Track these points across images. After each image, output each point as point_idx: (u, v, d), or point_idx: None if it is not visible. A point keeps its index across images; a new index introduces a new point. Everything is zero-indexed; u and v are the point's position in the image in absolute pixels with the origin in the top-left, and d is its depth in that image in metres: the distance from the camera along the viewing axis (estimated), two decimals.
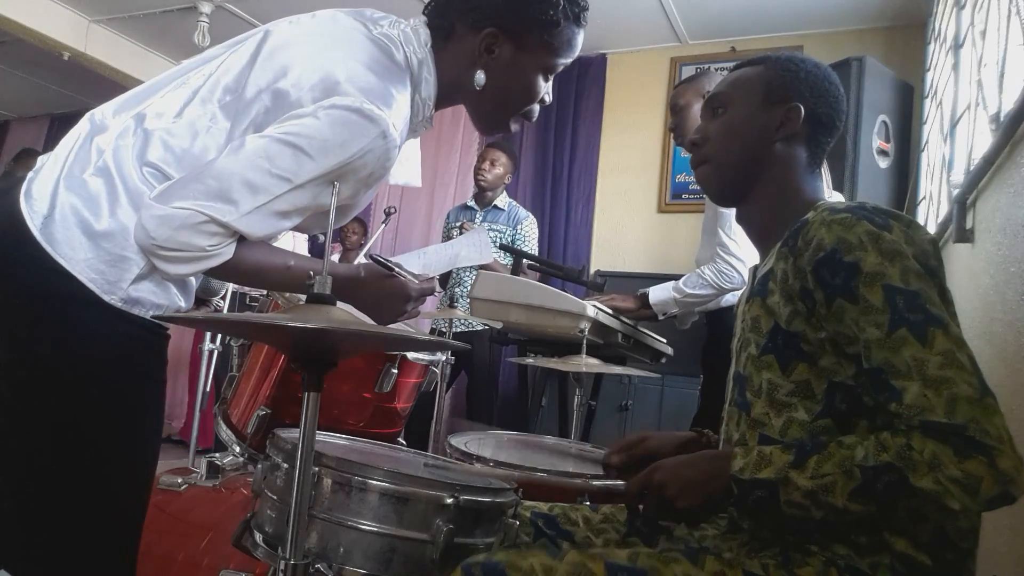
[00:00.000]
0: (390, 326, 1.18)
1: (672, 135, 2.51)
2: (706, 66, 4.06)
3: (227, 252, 1.00)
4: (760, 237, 1.11)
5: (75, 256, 0.97)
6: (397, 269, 1.16)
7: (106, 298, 0.99)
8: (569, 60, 1.20)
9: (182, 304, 1.09)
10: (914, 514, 0.85)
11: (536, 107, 1.22)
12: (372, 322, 1.16)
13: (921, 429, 0.80)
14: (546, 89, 1.21)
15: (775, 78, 1.09)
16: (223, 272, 1.03)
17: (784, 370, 0.96)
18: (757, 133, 1.08)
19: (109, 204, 0.99)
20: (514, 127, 1.24)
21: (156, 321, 1.05)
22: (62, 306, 0.98)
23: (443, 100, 1.20)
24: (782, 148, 1.07)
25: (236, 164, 0.98)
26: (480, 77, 1.14)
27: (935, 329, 0.83)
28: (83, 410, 1.00)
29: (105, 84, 4.95)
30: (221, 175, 0.97)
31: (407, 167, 1.34)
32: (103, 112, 1.07)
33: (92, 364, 1.00)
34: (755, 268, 1.12)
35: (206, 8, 4.23)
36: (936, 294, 0.87)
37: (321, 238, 3.76)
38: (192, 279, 1.11)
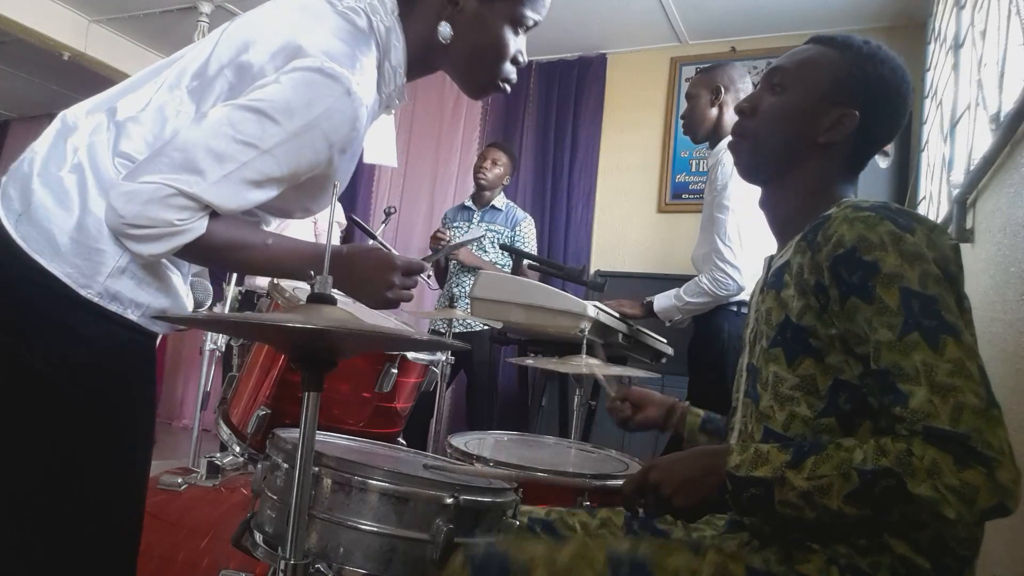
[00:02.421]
0: (388, 326, 1.16)
1: (683, 124, 2.52)
2: (706, 66, 4.06)
3: (198, 227, 0.97)
4: (780, 227, 1.10)
5: (49, 251, 0.96)
6: (378, 239, 1.13)
7: (83, 292, 0.97)
8: (539, 14, 1.16)
9: (165, 304, 1.07)
10: (909, 520, 0.84)
11: (512, 68, 1.17)
12: (369, 321, 1.15)
13: (923, 435, 0.80)
14: (519, 47, 1.16)
15: (845, 75, 1.04)
16: (198, 252, 1.00)
17: (790, 364, 0.95)
18: (804, 126, 1.05)
19: (80, 197, 0.98)
20: (502, 87, 1.19)
21: (137, 321, 1.03)
22: (40, 304, 0.97)
23: (418, 66, 1.16)
24: (823, 148, 1.05)
25: (200, 134, 0.96)
26: (445, 29, 1.11)
27: (947, 336, 0.82)
28: (66, 411, 0.99)
29: (105, 84, 4.89)
30: (185, 146, 0.95)
31: (382, 145, 1.31)
32: (75, 113, 1.06)
33: (72, 363, 0.99)
34: (770, 259, 1.11)
35: (206, 8, 4.23)
36: (953, 301, 0.86)
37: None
38: (176, 281, 1.09)
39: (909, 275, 0.85)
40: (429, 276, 3.50)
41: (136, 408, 1.06)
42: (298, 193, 1.09)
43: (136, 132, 1.01)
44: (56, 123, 1.06)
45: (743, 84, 2.40)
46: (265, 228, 1.20)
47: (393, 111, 1.23)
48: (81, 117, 1.05)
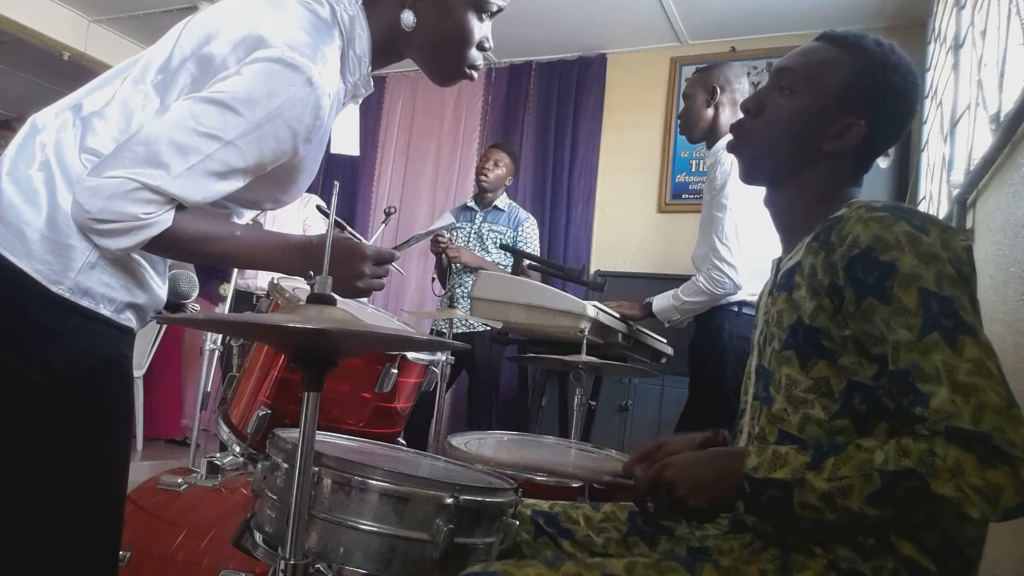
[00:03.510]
0: (388, 326, 1.16)
1: (680, 124, 2.54)
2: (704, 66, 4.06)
3: (164, 220, 0.97)
4: (787, 228, 1.09)
5: (20, 248, 0.96)
6: (349, 229, 1.11)
7: (54, 288, 0.97)
8: (503, 0, 1.16)
9: (140, 299, 1.07)
10: (927, 520, 0.84)
11: (478, 54, 1.17)
12: (369, 322, 1.15)
13: (946, 435, 0.79)
14: (484, 32, 1.16)
15: (856, 83, 1.02)
16: (166, 245, 0.99)
17: (803, 366, 0.95)
18: (810, 132, 1.04)
19: (48, 194, 0.98)
20: (468, 73, 1.19)
21: (110, 316, 1.03)
22: (11, 301, 0.97)
23: (383, 55, 1.17)
24: (827, 155, 1.04)
25: (162, 127, 0.96)
26: (408, 17, 1.11)
27: (966, 336, 0.82)
28: (38, 407, 0.98)
29: None
30: (148, 140, 0.95)
31: (345, 135, 1.31)
32: (44, 115, 1.07)
33: (45, 359, 0.98)
34: (779, 261, 1.10)
35: (205, 8, 4.23)
36: (968, 301, 0.86)
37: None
38: (150, 275, 1.09)
39: (926, 275, 0.85)
40: (445, 271, 3.49)
41: (111, 402, 1.06)
42: (266, 184, 1.09)
43: (101, 127, 1.01)
44: (26, 126, 1.06)
45: (740, 85, 2.40)
46: (238, 221, 1.20)
47: (359, 100, 1.23)
48: (50, 118, 1.06)
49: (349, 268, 1.09)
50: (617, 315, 2.46)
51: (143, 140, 0.96)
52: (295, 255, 1.08)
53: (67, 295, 0.99)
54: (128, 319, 1.07)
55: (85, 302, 1.00)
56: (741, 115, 1.12)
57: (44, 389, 0.98)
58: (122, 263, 1.03)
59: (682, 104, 2.50)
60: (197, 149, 0.96)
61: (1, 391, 0.98)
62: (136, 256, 1.05)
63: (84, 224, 0.96)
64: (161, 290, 1.12)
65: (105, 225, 0.95)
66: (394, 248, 1.16)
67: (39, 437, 0.99)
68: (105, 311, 1.03)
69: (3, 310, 0.97)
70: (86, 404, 1.02)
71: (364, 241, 1.12)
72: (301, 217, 3.80)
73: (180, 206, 0.99)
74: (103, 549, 1.06)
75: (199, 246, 1.04)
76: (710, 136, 2.41)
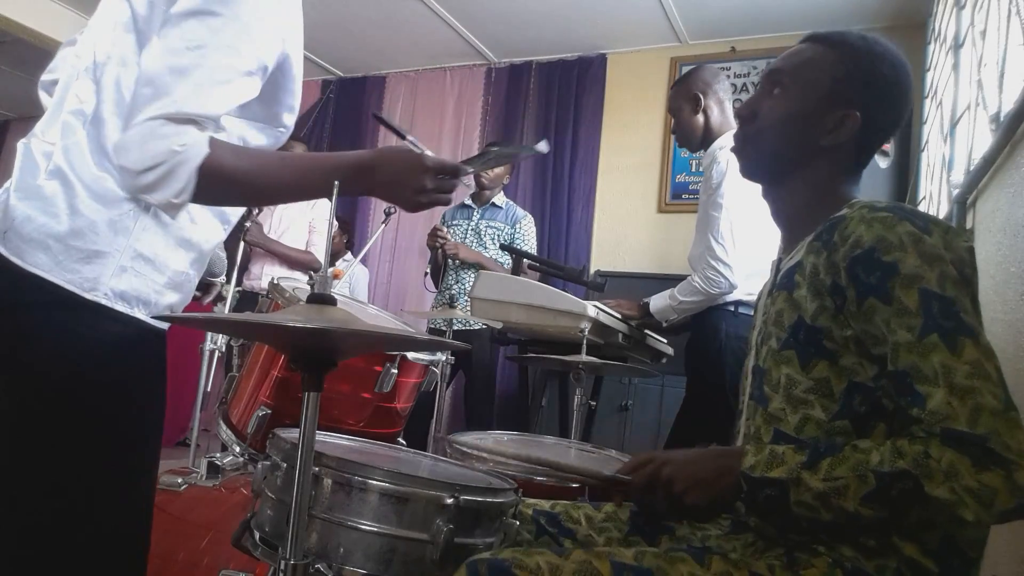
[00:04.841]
0: (388, 326, 1.15)
1: (676, 139, 2.54)
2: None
3: (199, 145, 0.93)
4: (787, 227, 1.10)
5: (47, 261, 0.95)
6: (410, 138, 1.10)
7: (89, 296, 0.97)
8: None
9: (173, 299, 1.07)
10: (924, 522, 0.84)
11: None
12: (369, 322, 1.14)
13: (941, 437, 0.79)
14: None
15: (844, 77, 1.03)
16: (215, 184, 0.95)
17: (804, 366, 0.95)
18: (805, 130, 1.04)
19: (67, 202, 0.97)
20: None
21: (145, 319, 1.03)
22: (44, 313, 0.96)
23: None
24: (826, 150, 1.04)
25: (155, 61, 0.95)
26: None
27: (965, 338, 0.82)
28: (81, 418, 0.98)
29: None
30: (149, 79, 0.94)
31: None
32: (33, 133, 1.06)
33: (85, 369, 0.98)
34: (778, 261, 1.10)
35: None
36: (969, 302, 0.86)
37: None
38: (183, 278, 1.08)
39: (928, 276, 0.85)
40: (439, 268, 3.48)
41: (144, 405, 1.06)
42: (272, 94, 1.08)
43: (108, 118, 1.00)
44: (19, 149, 1.05)
45: (719, 84, 2.40)
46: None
47: None
48: (38, 134, 1.05)
49: (409, 181, 1.05)
50: (618, 315, 2.46)
51: (145, 81, 0.94)
52: (350, 174, 1.04)
53: (103, 301, 0.98)
54: (161, 320, 1.06)
55: (120, 306, 1.00)
56: (731, 111, 1.12)
57: (86, 401, 0.98)
58: (156, 263, 1.03)
59: (671, 120, 2.50)
60: (195, 64, 0.95)
61: (44, 405, 0.97)
62: (168, 254, 1.04)
63: (134, 186, 0.94)
64: (191, 292, 1.12)
65: (150, 175, 0.91)
66: (461, 162, 1.11)
67: (80, 447, 0.98)
68: (140, 314, 1.03)
69: (39, 324, 0.96)
70: (126, 411, 1.02)
71: (427, 152, 1.08)
72: (307, 219, 3.80)
73: (215, 142, 0.95)
74: (133, 555, 1.06)
75: (251, 178, 1.00)
76: (707, 140, 2.41)
